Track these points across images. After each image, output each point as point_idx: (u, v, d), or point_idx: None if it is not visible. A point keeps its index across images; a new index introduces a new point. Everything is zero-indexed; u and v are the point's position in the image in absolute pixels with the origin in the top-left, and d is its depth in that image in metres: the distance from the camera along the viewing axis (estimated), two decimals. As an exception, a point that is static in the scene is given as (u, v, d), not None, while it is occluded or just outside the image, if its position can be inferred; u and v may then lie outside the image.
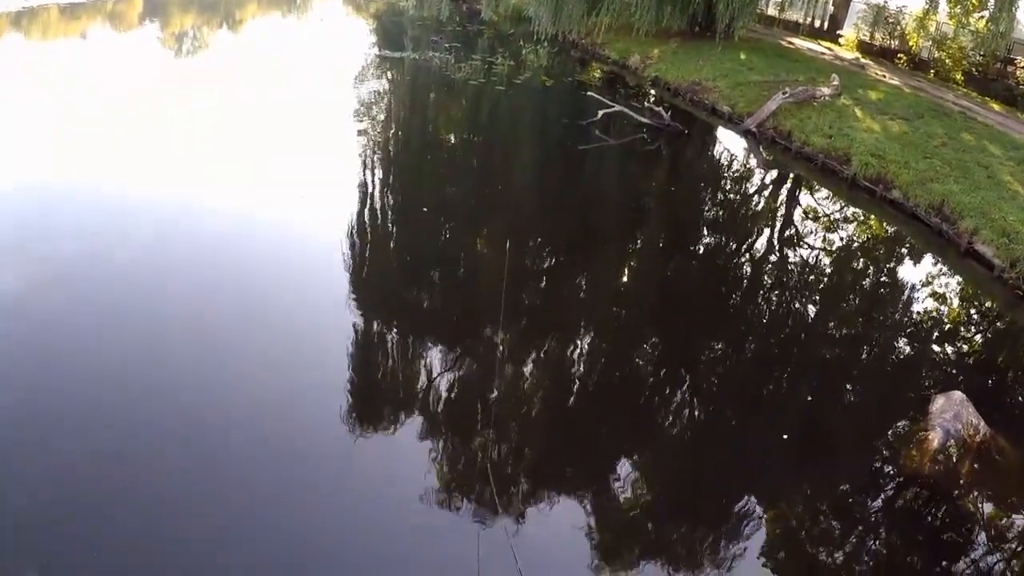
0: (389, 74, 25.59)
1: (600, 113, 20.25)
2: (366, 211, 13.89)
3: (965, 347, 12.42)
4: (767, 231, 16.38)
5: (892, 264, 15.35)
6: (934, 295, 13.88)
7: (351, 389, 9.16)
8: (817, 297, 13.58)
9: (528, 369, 10.28)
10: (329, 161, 15.90)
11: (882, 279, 14.65)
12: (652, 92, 24.99)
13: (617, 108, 20.79)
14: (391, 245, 13.37)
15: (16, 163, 13.92)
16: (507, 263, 11.85)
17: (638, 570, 7.52)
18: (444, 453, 8.54)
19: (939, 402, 9.53)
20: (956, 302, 13.92)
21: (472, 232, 14.05)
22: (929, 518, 8.52)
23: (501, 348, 10.24)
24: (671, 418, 9.98)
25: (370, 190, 14.78)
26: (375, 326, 10.53)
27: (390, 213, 14.37)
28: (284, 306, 10.47)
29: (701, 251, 15.00)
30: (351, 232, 12.79)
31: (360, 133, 18.26)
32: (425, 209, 14.55)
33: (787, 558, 7.92)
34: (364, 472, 8.13)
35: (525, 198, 16.13)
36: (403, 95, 23.73)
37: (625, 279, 13.61)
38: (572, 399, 10.02)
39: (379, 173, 16.07)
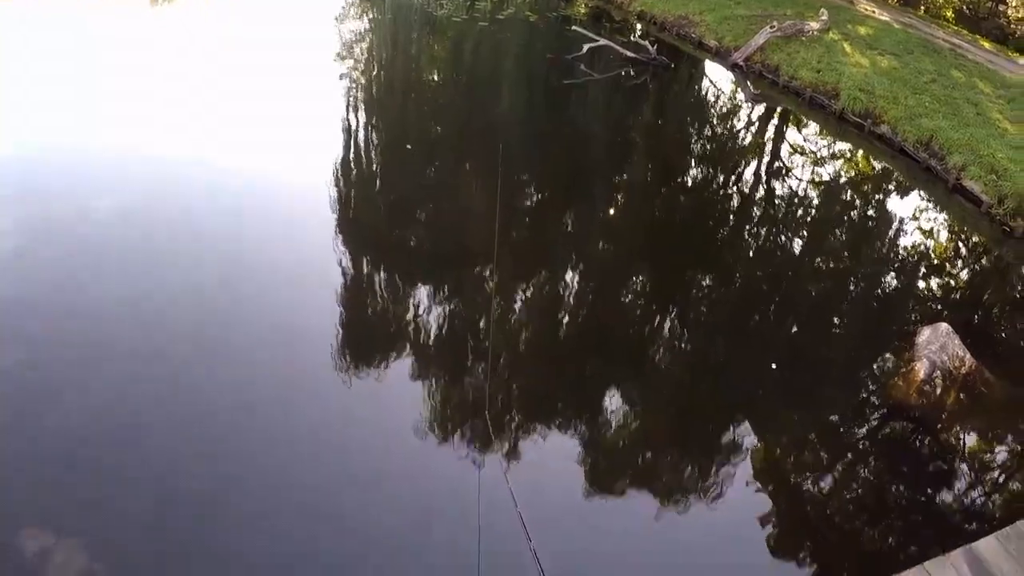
0: (369, 13, 24.91)
1: (585, 47, 19.84)
2: (351, 151, 13.59)
3: (951, 281, 12.41)
4: (754, 164, 16.22)
5: (880, 198, 15.24)
6: (921, 230, 13.83)
7: (344, 327, 9.09)
8: (804, 231, 13.49)
9: (519, 304, 10.17)
10: (312, 103, 15.47)
11: (869, 213, 14.56)
12: (638, 26, 24.53)
13: (603, 42, 20.38)
14: (377, 184, 13.12)
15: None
16: (496, 199, 11.63)
17: (630, 498, 7.51)
18: (437, 388, 8.54)
19: (925, 333, 9.49)
20: (943, 237, 13.88)
21: (458, 169, 13.81)
22: (914, 448, 8.53)
23: (491, 284, 10.12)
24: (661, 349, 9.92)
25: (354, 130, 14.46)
26: (364, 265, 10.41)
27: (375, 152, 14.07)
28: (274, 248, 10.29)
29: (689, 184, 14.84)
30: (337, 173, 12.53)
31: (342, 75, 17.74)
32: (410, 147, 14.25)
33: (774, 486, 7.93)
34: (359, 407, 8.10)
35: (510, 134, 15.83)
36: (384, 34, 23.10)
37: (613, 213, 13.45)
38: (563, 332, 9.95)
39: (363, 113, 15.71)
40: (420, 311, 9.64)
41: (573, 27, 22.17)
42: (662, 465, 8.19)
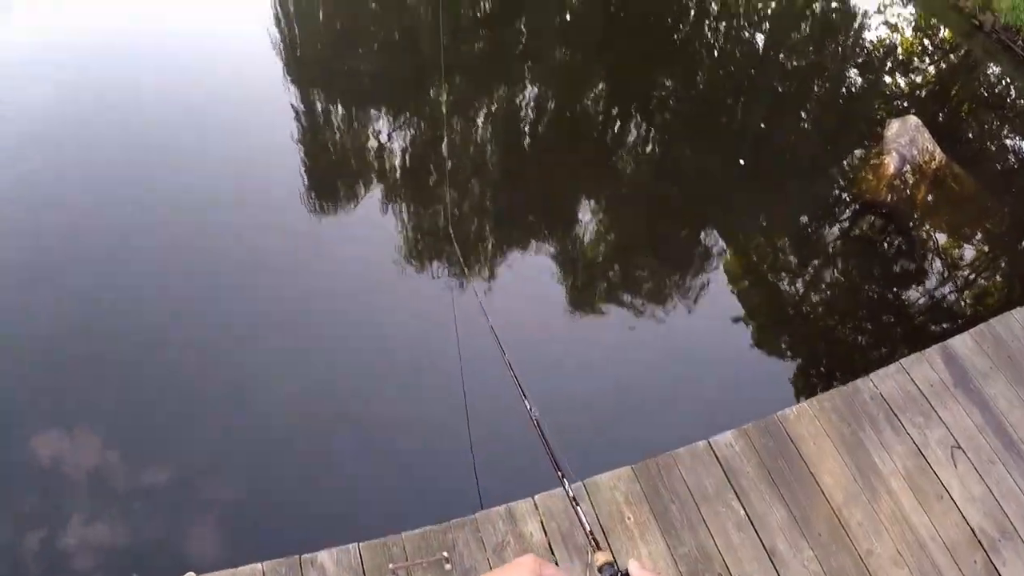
0: None
1: None
2: None
3: (919, 77, 11.99)
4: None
5: (843, -10, 14.48)
6: (887, 23, 13.24)
7: (304, 167, 8.57)
8: (766, 23, 12.89)
9: (479, 122, 9.60)
10: None
11: (833, 6, 13.85)
12: None
13: None
14: (319, 15, 11.93)
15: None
16: (441, 14, 10.69)
17: (607, 311, 7.27)
18: (406, 218, 8.11)
19: (894, 127, 9.12)
20: (910, 31, 13.27)
21: None
22: (887, 245, 8.37)
23: (447, 103, 9.40)
24: (626, 155, 9.51)
25: None
26: (317, 100, 9.64)
27: None
28: (221, 91, 9.32)
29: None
30: (276, 8, 11.30)
31: None
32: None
33: (748, 287, 7.76)
34: (331, 245, 7.72)
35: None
36: None
37: (568, 18, 12.52)
38: (526, 146, 9.43)
39: None
40: (377, 139, 9.05)
41: None
42: (635, 273, 7.97)
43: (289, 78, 9.82)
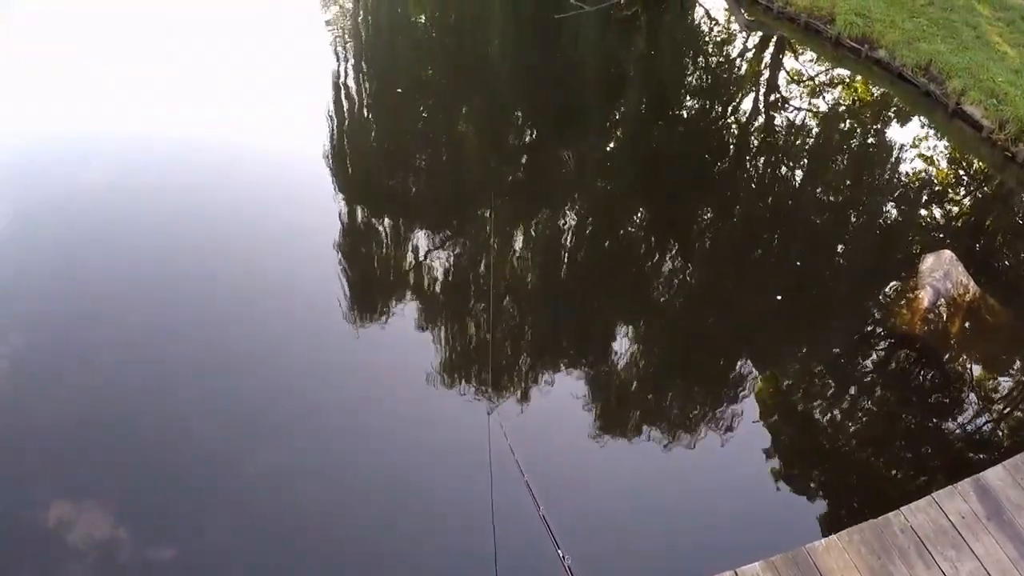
0: None
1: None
2: (342, 99, 13.33)
3: (954, 208, 12.25)
4: (752, 94, 15.91)
5: (879, 126, 14.97)
6: (922, 156, 13.60)
7: (346, 279, 9.19)
8: (804, 160, 13.29)
9: (519, 245, 10.12)
10: (298, 54, 15.06)
11: (869, 141, 14.32)
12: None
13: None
14: (371, 131, 12.90)
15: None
16: (489, 140, 11.45)
17: (638, 436, 7.48)
18: (443, 334, 8.55)
19: (928, 261, 9.36)
20: (944, 163, 13.65)
21: (450, 111, 13.52)
22: (920, 377, 8.49)
23: (490, 226, 9.98)
24: (662, 285, 9.83)
25: (343, 78, 14.14)
26: (361, 214, 10.36)
27: (366, 99, 13.76)
28: (271, 203, 10.32)
29: (686, 116, 14.58)
30: (330, 122, 12.32)
31: (327, 23, 17.20)
32: (400, 90, 13.91)
33: (781, 417, 7.91)
34: (367, 357, 8.22)
35: (502, 72, 15.47)
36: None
37: (611, 148, 13.21)
38: (564, 271, 9.88)
39: (351, 59, 15.32)
40: (420, 256, 9.62)
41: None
42: (668, 400, 8.16)
43: (337, 189, 10.65)
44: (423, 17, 19.04)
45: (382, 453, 7.10)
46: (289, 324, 8.27)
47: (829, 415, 7.98)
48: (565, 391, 7.87)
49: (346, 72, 14.57)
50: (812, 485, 7.33)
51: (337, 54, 15.44)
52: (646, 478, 7.16)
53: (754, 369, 8.39)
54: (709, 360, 8.68)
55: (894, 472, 7.44)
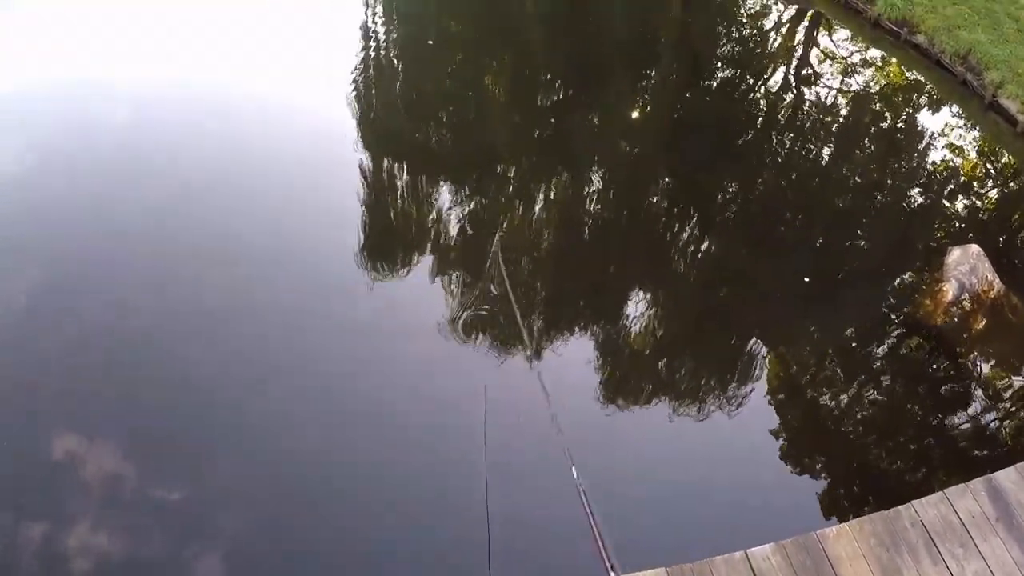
0: None
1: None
2: (370, 49, 13.06)
3: (982, 202, 12.13)
4: (784, 69, 15.66)
5: (912, 111, 14.75)
6: (953, 146, 13.43)
7: (366, 228, 9.22)
8: (832, 140, 13.13)
9: (539, 206, 9.99)
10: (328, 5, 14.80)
11: (899, 125, 14.13)
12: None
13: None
14: (397, 84, 12.72)
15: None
16: (515, 97, 11.29)
17: (647, 407, 7.42)
18: (457, 289, 8.44)
19: (955, 254, 9.26)
20: (975, 155, 13.43)
21: (479, 66, 13.32)
22: (938, 370, 8.47)
23: (512, 184, 9.88)
24: (681, 256, 9.76)
25: (372, 27, 13.84)
26: (385, 165, 10.31)
27: (394, 50, 13.51)
28: (298, 150, 10.31)
29: (715, 87, 14.34)
30: (357, 73, 12.12)
31: None
32: (430, 42, 13.68)
33: (789, 399, 7.84)
34: (382, 306, 8.27)
35: (533, 29, 15.17)
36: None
37: (636, 114, 13.02)
38: (584, 235, 9.75)
39: (380, 8, 15.00)
40: (440, 212, 9.50)
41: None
42: (678, 373, 8.10)
43: (361, 137, 10.64)
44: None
45: (385, 403, 7.08)
46: (305, 270, 8.24)
47: (842, 400, 7.95)
48: (579, 353, 7.81)
49: (375, 22, 14.31)
50: (822, 471, 7.33)
51: (367, 2, 15.16)
52: (655, 451, 7.15)
53: (767, 347, 8.33)
54: (722, 335, 8.64)
55: (905, 464, 7.42)
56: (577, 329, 8.16)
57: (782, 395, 7.95)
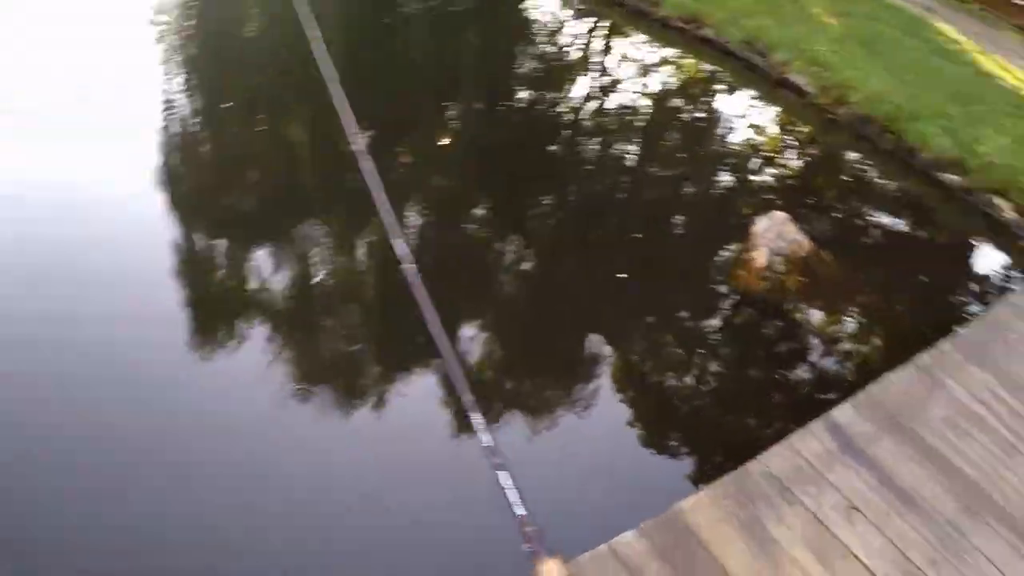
0: None
1: (403, -19, 19.13)
2: (168, 121, 12.53)
3: (784, 171, 12.76)
4: (582, 79, 16.12)
5: (709, 100, 15.45)
6: (752, 125, 14.16)
7: (191, 307, 8.45)
8: (639, 138, 13.56)
9: (359, 250, 9.79)
10: (121, 69, 14.08)
11: (700, 115, 14.78)
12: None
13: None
14: (200, 149, 12.25)
15: None
16: (323, 144, 11.13)
17: (497, 426, 7.36)
18: (293, 348, 8.09)
19: (762, 223, 9.71)
20: (773, 130, 14.21)
21: (282, 119, 13.03)
22: (765, 332, 8.82)
23: (329, 234, 9.71)
24: (508, 276, 9.78)
25: (168, 98, 13.31)
26: (201, 238, 9.65)
27: (192, 116, 13.08)
28: (101, 234, 9.20)
29: (521, 107, 14.60)
30: (159, 144, 11.56)
31: (158, 37, 16.27)
32: (231, 104, 13.37)
33: (640, 391, 8.00)
34: (224, 382, 7.62)
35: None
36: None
37: (447, 142, 13.06)
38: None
39: (175, 74, 14.49)
40: (262, 274, 9.12)
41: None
42: (525, 392, 8.11)
43: (172, 212, 9.81)
44: (249, 27, 18.44)
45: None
46: (133, 358, 7.61)
47: (685, 379, 8.17)
48: (422, 393, 7.71)
49: (170, 88, 13.83)
50: (675, 448, 7.47)
51: (162, 69, 14.64)
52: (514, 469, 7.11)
53: (606, 347, 8.47)
54: (561, 345, 8.68)
55: (751, 423, 7.68)
56: (415, 367, 8.03)
57: (629, 388, 8.10)
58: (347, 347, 8.36)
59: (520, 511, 4.10)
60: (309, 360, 7.90)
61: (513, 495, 4.48)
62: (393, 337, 8.23)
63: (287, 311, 8.51)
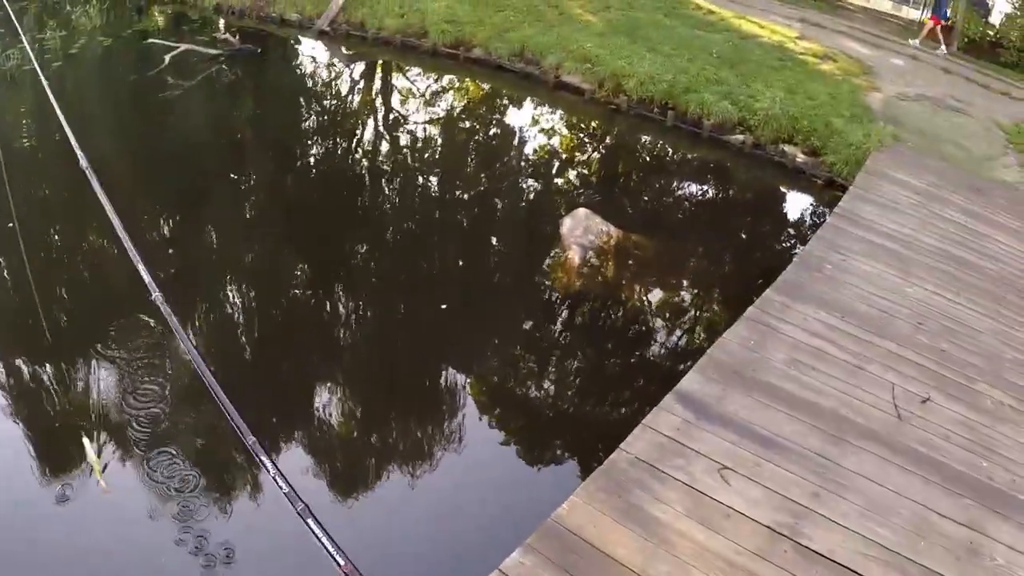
0: None
1: (167, 58, 18.48)
2: None
3: (582, 168, 12.94)
4: (371, 122, 16.02)
5: (496, 116, 15.65)
6: (542, 131, 14.39)
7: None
8: (437, 168, 13.49)
9: (194, 329, 9.18)
10: None
11: (491, 132, 14.89)
12: (221, 22, 23.35)
13: (183, 47, 19.05)
14: None
15: None
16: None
17: (375, 483, 7.03)
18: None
19: (567, 223, 9.81)
20: (562, 131, 14.46)
21: (65, 224, 12.18)
22: (598, 325, 8.76)
23: (147, 326, 9.04)
24: (342, 330, 9.44)
25: None
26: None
27: None
28: None
29: (314, 163, 14.27)
30: None
31: None
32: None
33: (503, 410, 7.82)
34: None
35: (112, 171, 14.29)
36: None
37: (248, 214, 12.58)
38: (242, 344, 9.16)
39: None
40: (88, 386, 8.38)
41: (151, 40, 20.61)
42: (386, 439, 7.80)
43: None
44: (16, 133, 17.31)
45: None
46: None
47: (544, 386, 8.07)
48: (289, 460, 7.30)
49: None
50: (540, 459, 7.32)
51: None
52: (400, 506, 6.81)
53: (459, 376, 8.30)
54: (412, 385, 8.45)
55: (607, 416, 7.64)
56: (300, 425, 7.61)
57: (488, 408, 7.94)
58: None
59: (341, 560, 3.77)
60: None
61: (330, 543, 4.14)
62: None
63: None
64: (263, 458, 2.54)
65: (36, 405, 7.73)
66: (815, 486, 5.73)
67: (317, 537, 3.45)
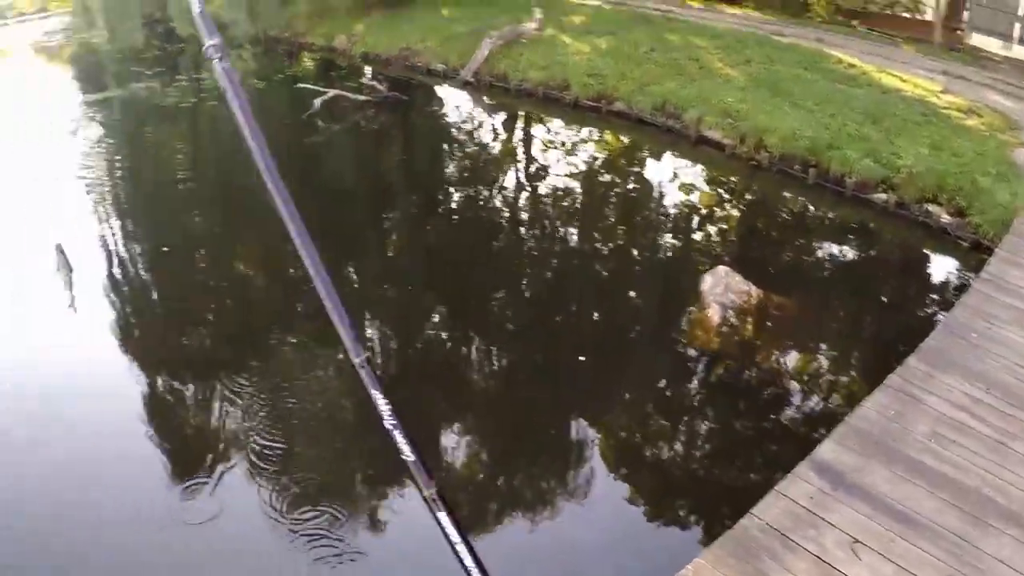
0: (99, 116, 23.30)
1: (317, 102, 19.53)
2: (114, 269, 12.46)
3: (722, 225, 12.96)
4: (512, 172, 16.44)
5: (636, 169, 15.83)
6: (682, 186, 14.45)
7: (165, 452, 8.16)
8: (577, 220, 13.74)
9: (320, 377, 9.63)
10: (64, 227, 13.96)
11: (630, 186, 15.06)
12: (367, 69, 24.44)
13: (333, 93, 20.09)
14: (147, 295, 12.16)
15: None
16: (271, 275, 11.07)
17: (500, 526, 7.23)
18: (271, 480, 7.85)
19: (708, 281, 9.85)
20: (703, 187, 14.51)
21: (226, 259, 13.02)
22: (736, 387, 8.76)
23: (287, 365, 9.57)
24: (479, 379, 9.70)
25: (112, 246, 13.23)
26: (163, 384, 9.46)
27: (137, 263, 13.00)
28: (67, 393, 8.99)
29: (457, 208, 14.77)
30: (106, 291, 11.44)
31: (88, 188, 16.24)
32: (167, 249, 13.32)
33: (624, 468, 7.91)
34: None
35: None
36: (117, 136, 21.71)
37: (392, 257, 13.15)
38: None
39: (115, 225, 14.49)
40: (230, 410, 8.92)
41: (301, 84, 21.77)
42: (519, 485, 8.00)
43: (130, 361, 9.64)
44: (180, 168, 18.46)
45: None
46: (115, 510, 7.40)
47: (666, 448, 8.08)
48: (402, 501, 7.55)
49: (113, 239, 13.74)
50: (669, 518, 7.33)
51: (101, 220, 14.52)
52: (507, 559, 6.97)
53: (590, 430, 8.42)
54: (546, 436, 8.62)
55: (739, 479, 7.60)
56: (400, 486, 7.86)
57: (619, 466, 8.02)
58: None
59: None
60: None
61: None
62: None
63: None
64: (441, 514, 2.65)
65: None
66: (950, 568, 5.61)
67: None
